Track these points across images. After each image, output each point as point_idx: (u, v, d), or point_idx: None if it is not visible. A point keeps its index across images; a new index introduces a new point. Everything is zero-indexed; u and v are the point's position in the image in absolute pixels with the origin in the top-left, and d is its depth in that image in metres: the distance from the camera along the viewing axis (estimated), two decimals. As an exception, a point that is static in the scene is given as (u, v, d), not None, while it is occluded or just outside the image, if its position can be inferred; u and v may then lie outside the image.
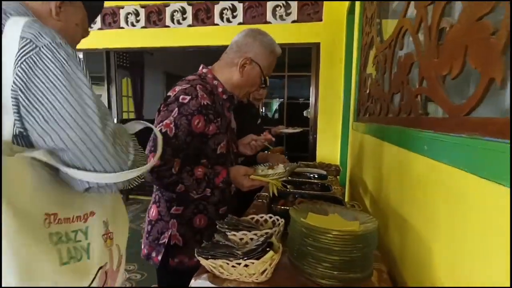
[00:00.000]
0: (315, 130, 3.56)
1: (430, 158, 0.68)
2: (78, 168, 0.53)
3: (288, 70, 3.69)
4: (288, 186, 1.38)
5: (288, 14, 3.44)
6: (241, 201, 1.33)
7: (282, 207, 1.05)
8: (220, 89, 1.07)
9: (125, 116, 4.82)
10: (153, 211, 1.07)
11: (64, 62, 0.53)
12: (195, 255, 0.79)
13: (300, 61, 3.69)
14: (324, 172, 1.74)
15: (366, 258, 0.73)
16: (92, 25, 3.60)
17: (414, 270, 0.79)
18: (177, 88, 0.97)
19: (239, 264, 0.74)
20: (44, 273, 0.49)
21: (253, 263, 0.73)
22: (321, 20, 3.37)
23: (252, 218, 1.07)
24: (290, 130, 2.32)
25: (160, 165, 0.90)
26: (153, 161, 0.64)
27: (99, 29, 3.90)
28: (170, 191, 0.98)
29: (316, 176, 1.68)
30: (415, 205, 0.80)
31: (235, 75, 1.06)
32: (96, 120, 0.54)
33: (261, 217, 1.08)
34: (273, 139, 1.29)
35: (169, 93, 0.98)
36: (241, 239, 0.89)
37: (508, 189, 0.40)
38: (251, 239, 0.88)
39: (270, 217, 1.06)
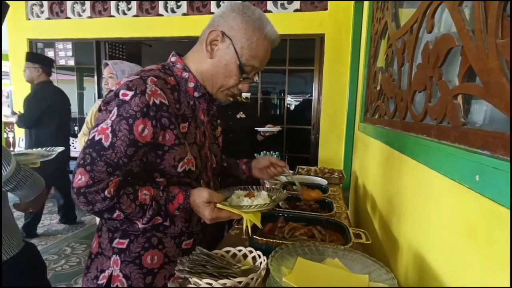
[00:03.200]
0: (317, 129, 3.29)
1: (488, 198, 0.43)
2: None
3: (290, 64, 3.41)
4: (280, 203, 1.14)
5: (290, 2, 3.16)
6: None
7: (265, 240, 0.80)
8: (191, 84, 0.80)
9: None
10: (94, 241, 0.83)
11: None
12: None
13: (303, 54, 3.41)
14: (325, 182, 1.49)
15: None
16: (81, 13, 3.32)
17: None
18: (123, 80, 0.71)
19: None
20: None
21: None
22: (326, 9, 3.09)
23: (228, 252, 0.83)
24: (266, 129, 2.00)
25: (87, 184, 0.65)
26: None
27: (89, 17, 3.65)
28: (107, 219, 0.74)
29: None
30: (459, 262, 0.54)
31: (205, 59, 0.79)
32: None
33: (239, 250, 0.84)
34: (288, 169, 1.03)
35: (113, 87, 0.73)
36: (205, 289, 0.65)
37: None
38: (219, 291, 0.64)
39: (251, 252, 0.82)
